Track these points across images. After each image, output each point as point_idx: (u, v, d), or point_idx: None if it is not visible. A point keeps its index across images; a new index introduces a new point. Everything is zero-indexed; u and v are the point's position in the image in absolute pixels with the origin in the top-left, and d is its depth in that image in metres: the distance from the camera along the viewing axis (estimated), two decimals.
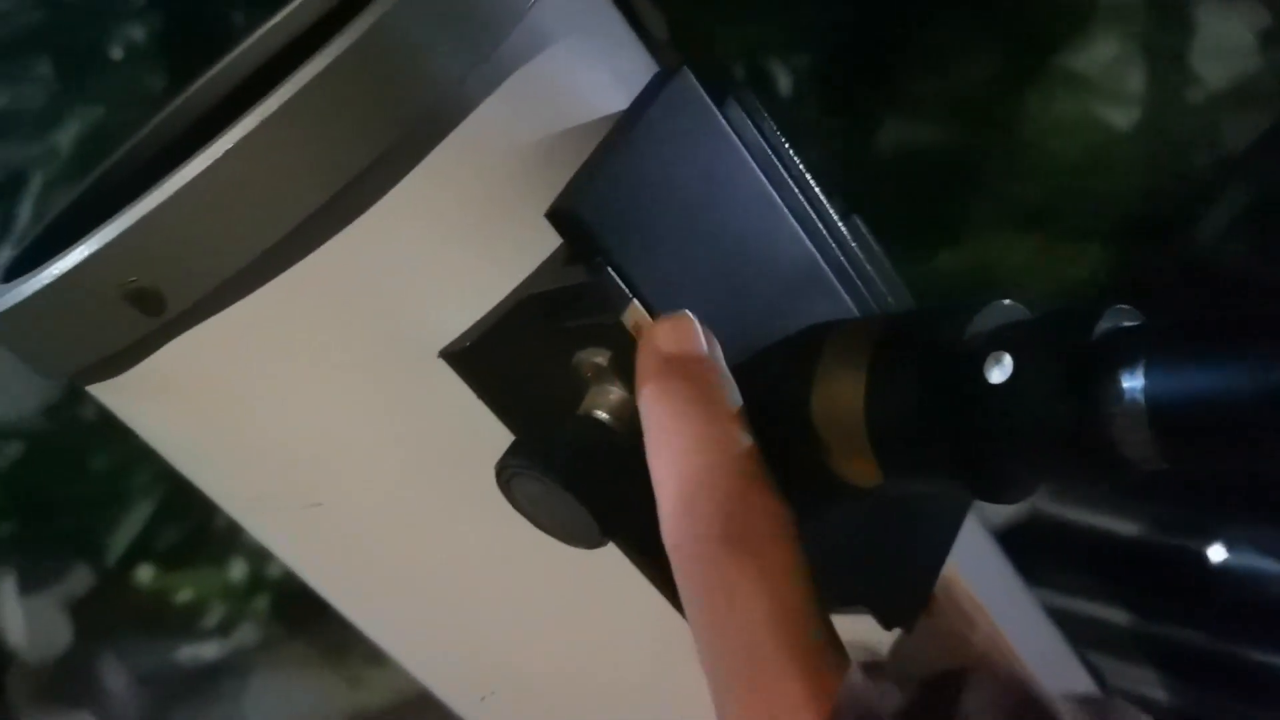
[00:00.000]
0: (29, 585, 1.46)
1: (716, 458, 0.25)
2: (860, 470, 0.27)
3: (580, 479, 0.26)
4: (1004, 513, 0.92)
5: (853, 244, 0.32)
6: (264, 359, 0.27)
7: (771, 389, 0.27)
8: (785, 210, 0.31)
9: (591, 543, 0.26)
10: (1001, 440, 0.25)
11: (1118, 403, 0.24)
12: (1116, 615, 0.85)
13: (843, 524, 0.28)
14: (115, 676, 1.40)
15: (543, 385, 0.27)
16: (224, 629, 1.38)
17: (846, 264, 0.32)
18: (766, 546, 0.24)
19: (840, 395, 0.27)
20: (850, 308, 0.32)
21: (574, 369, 0.27)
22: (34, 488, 1.25)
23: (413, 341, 0.27)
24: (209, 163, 0.24)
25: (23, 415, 1.35)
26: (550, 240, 0.27)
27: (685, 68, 0.29)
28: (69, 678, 1.44)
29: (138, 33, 1.16)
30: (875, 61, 1.49)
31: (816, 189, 0.32)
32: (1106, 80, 1.56)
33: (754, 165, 0.30)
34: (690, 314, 0.26)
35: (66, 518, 1.27)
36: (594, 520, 0.26)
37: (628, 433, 0.26)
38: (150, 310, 0.25)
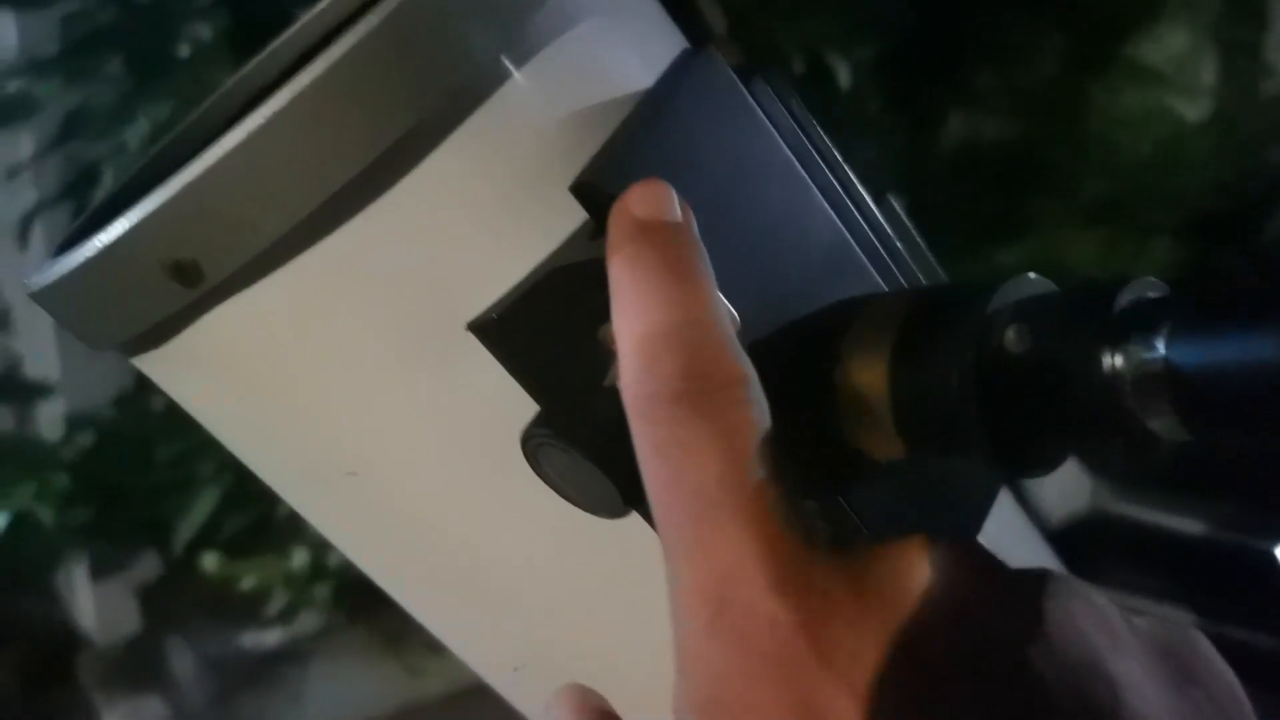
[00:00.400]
0: (99, 572, 1.50)
1: (681, 318, 0.24)
2: (885, 445, 0.27)
3: (604, 450, 0.26)
4: (1064, 510, 0.91)
5: (885, 224, 0.32)
6: (298, 330, 0.28)
7: (798, 364, 0.27)
8: (814, 189, 0.31)
9: (614, 512, 0.26)
10: (1022, 412, 0.25)
11: (1138, 372, 0.23)
12: (1180, 616, 0.84)
13: (868, 500, 0.28)
14: (182, 661, 1.43)
15: (569, 358, 0.27)
16: (286, 616, 1.40)
17: (877, 243, 0.32)
18: (726, 408, 0.23)
19: (866, 369, 0.27)
20: (880, 286, 0.31)
21: (600, 342, 0.27)
22: (104, 476, 1.28)
23: (442, 313, 0.27)
24: (241, 138, 0.25)
25: (94, 405, 1.38)
26: (578, 215, 0.27)
27: (712, 47, 0.29)
28: (137, 662, 1.48)
29: (204, 31, 1.19)
30: (939, 55, 1.48)
31: (848, 169, 0.31)
32: (1177, 72, 1.53)
33: (782, 144, 0.30)
34: (662, 180, 0.25)
35: (135, 506, 1.30)
36: (616, 490, 0.26)
37: None
38: (189, 281, 0.26)
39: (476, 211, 0.27)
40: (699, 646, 0.23)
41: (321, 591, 1.31)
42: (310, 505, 0.33)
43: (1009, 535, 0.36)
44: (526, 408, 0.28)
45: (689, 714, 0.23)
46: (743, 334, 0.26)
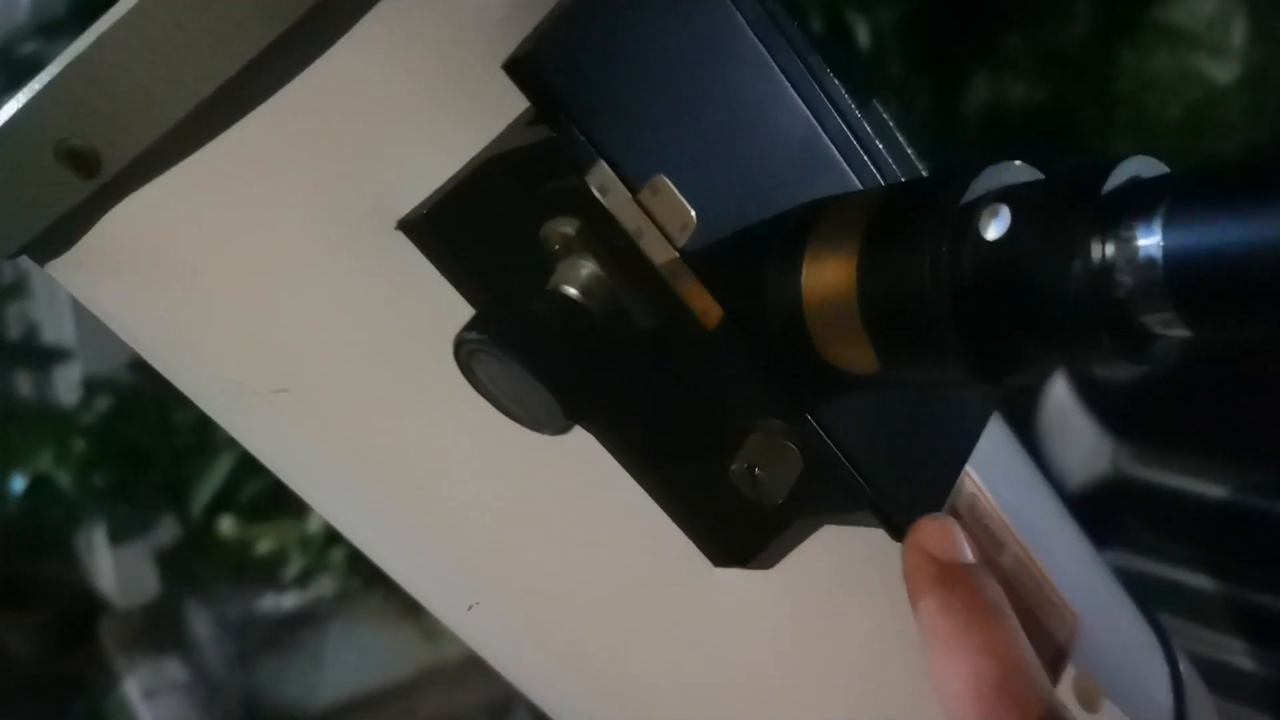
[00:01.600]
0: (118, 536, 1.50)
1: (1010, 668, 0.25)
2: (856, 356, 0.25)
3: (544, 358, 0.23)
4: (1085, 473, 0.89)
5: (866, 125, 0.30)
6: (213, 228, 0.25)
7: (762, 266, 0.25)
8: (785, 81, 0.28)
9: (556, 427, 0.24)
10: (1001, 308, 0.22)
11: (1130, 259, 0.21)
12: (1203, 581, 0.82)
13: (843, 423, 0.26)
14: (201, 624, 1.44)
15: (508, 259, 0.25)
16: (303, 580, 1.40)
17: (853, 139, 0.29)
18: None
19: (833, 266, 0.24)
20: (854, 183, 0.29)
21: (542, 239, 0.25)
22: (123, 440, 1.28)
23: (369, 210, 0.25)
24: (131, 4, 0.23)
25: (111, 370, 1.38)
26: (518, 101, 0.24)
27: None
28: (157, 625, 1.48)
29: None
30: (964, 15, 1.46)
31: (824, 64, 0.29)
32: (1207, 34, 1.49)
33: (747, 28, 0.27)
34: (950, 518, 0.26)
35: (154, 469, 1.30)
36: (557, 401, 0.23)
37: (598, 310, 0.24)
38: (87, 172, 0.24)
39: (402, 95, 0.25)
40: None
41: (337, 556, 1.31)
42: (244, 427, 0.31)
43: (1026, 499, 0.34)
44: (463, 313, 0.25)
45: None
46: (702, 232, 0.24)
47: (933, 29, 1.46)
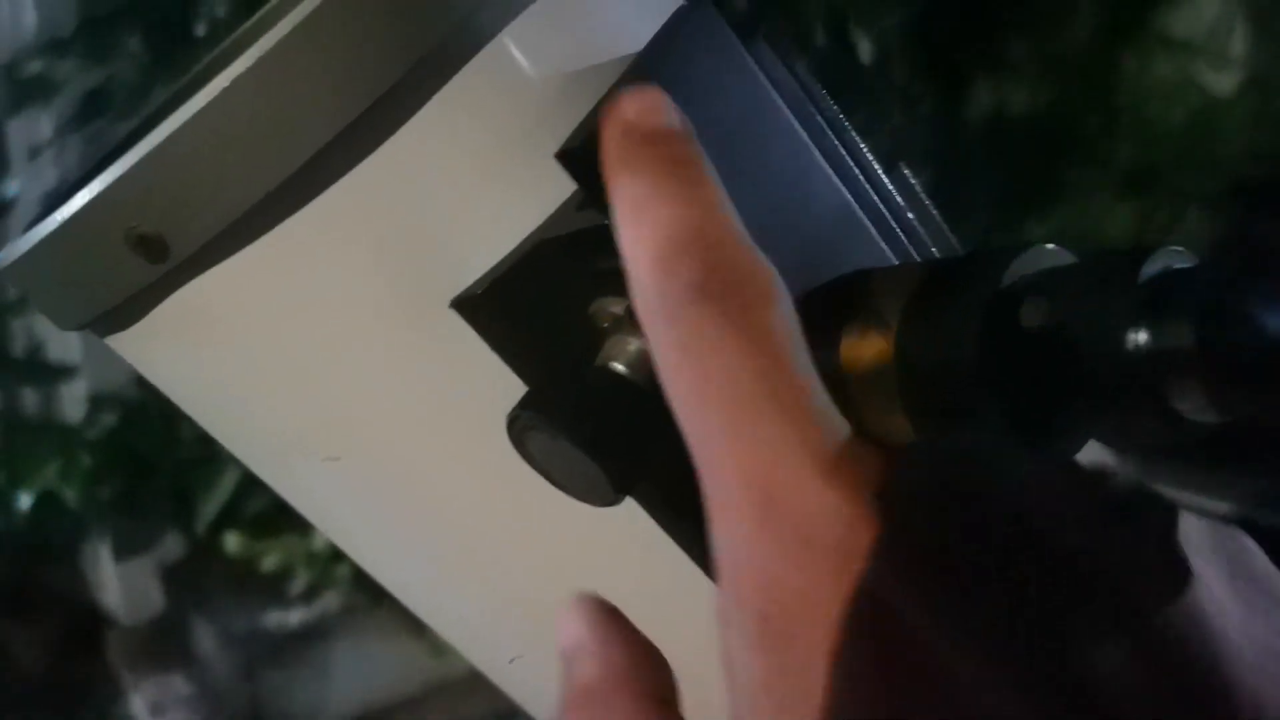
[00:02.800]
0: (123, 551, 1.51)
1: (699, 218, 0.22)
2: (894, 429, 0.26)
3: (592, 432, 0.24)
4: None
5: (895, 194, 0.31)
6: (271, 308, 0.27)
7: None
8: (818, 154, 0.29)
9: (606, 499, 0.25)
10: (1038, 391, 0.23)
11: (1164, 350, 0.22)
12: None
13: None
14: (206, 639, 1.44)
15: (558, 336, 0.26)
16: (308, 596, 1.41)
17: (886, 213, 0.30)
18: (755, 304, 0.22)
19: (870, 346, 0.25)
20: (889, 258, 0.29)
21: (590, 319, 0.26)
22: (128, 455, 1.29)
23: (424, 290, 0.26)
24: (203, 103, 0.24)
25: (117, 386, 1.39)
26: (567, 185, 0.25)
27: (708, 1, 0.28)
28: (163, 640, 1.48)
29: (221, 8, 1.18)
30: (967, 22, 1.46)
31: (855, 135, 0.30)
32: (1208, 42, 1.50)
33: (783, 106, 0.28)
34: (658, 90, 0.24)
35: (159, 484, 1.31)
36: (606, 476, 0.24)
37: (646, 385, 0.25)
38: (154, 257, 0.25)
39: (459, 180, 0.26)
40: (749, 549, 0.22)
41: (343, 571, 1.31)
42: (293, 490, 0.32)
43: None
44: (515, 388, 0.26)
45: (746, 623, 0.22)
46: None
47: (936, 36, 1.46)
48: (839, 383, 0.25)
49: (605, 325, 0.26)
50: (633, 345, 0.26)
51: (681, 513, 0.27)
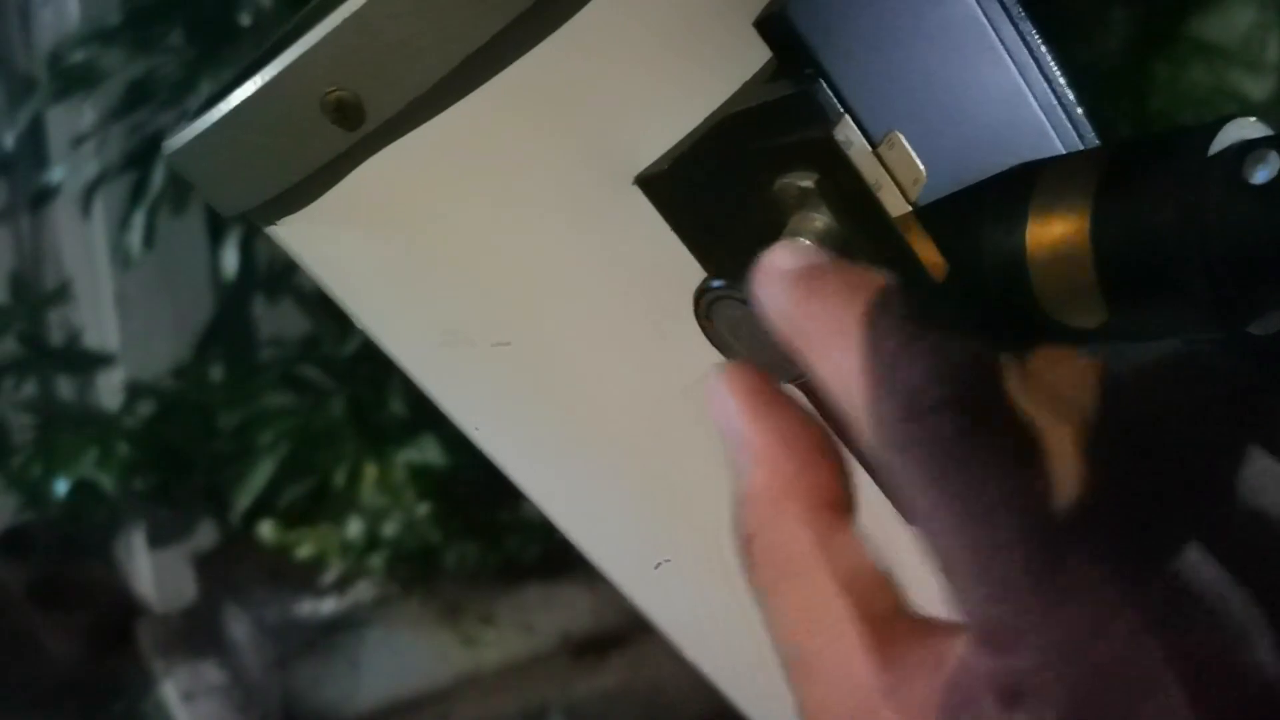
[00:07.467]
0: (157, 540, 1.51)
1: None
2: (1085, 309, 0.25)
3: None
4: None
5: (1066, 88, 0.30)
6: (459, 179, 0.26)
7: (980, 229, 0.26)
8: (996, 39, 0.28)
9: (790, 373, 0.24)
10: (1257, 253, 0.22)
11: None
12: None
13: None
14: (239, 628, 1.44)
15: (741, 215, 0.25)
16: (341, 585, 1.41)
17: (1057, 104, 0.29)
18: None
19: (1061, 227, 0.25)
20: (1057, 146, 0.29)
21: (776, 194, 0.25)
22: (165, 444, 1.29)
23: (609, 165, 0.26)
24: None
25: (154, 375, 1.39)
26: (754, 59, 0.25)
27: None
28: (195, 628, 1.49)
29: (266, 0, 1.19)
30: None
31: (1028, 19, 0.29)
32: (1242, 48, 1.50)
33: None
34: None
35: (195, 474, 1.31)
36: None
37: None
38: (350, 123, 0.25)
39: (648, 53, 0.26)
40: None
41: (376, 561, 1.32)
42: (446, 386, 0.31)
43: None
44: (687, 271, 0.26)
45: None
46: (929, 188, 0.24)
47: None
48: (1026, 269, 0.25)
49: (791, 201, 0.26)
50: (820, 220, 0.26)
51: None
